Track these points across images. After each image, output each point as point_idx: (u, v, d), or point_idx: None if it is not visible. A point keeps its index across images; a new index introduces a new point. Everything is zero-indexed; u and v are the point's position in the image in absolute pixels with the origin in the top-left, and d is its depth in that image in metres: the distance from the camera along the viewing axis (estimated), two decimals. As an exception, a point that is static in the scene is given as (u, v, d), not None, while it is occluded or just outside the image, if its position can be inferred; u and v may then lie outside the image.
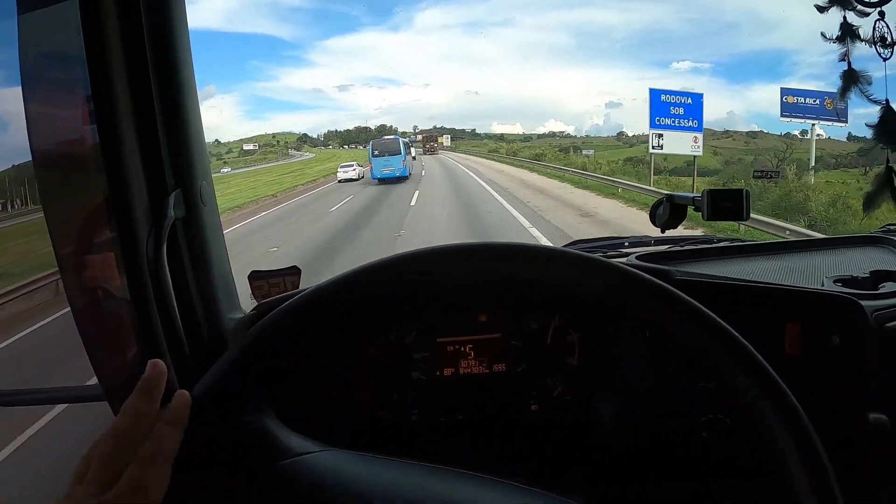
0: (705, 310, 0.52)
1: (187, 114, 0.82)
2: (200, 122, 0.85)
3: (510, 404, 0.84)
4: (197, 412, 0.55)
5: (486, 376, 0.84)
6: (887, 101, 0.96)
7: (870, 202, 0.99)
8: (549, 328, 0.84)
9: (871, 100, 0.92)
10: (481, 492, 0.53)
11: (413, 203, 13.19)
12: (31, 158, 0.79)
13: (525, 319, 0.84)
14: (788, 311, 0.83)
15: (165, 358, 0.81)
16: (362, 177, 20.42)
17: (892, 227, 1.26)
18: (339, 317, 0.58)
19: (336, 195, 16.72)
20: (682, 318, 0.53)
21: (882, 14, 0.87)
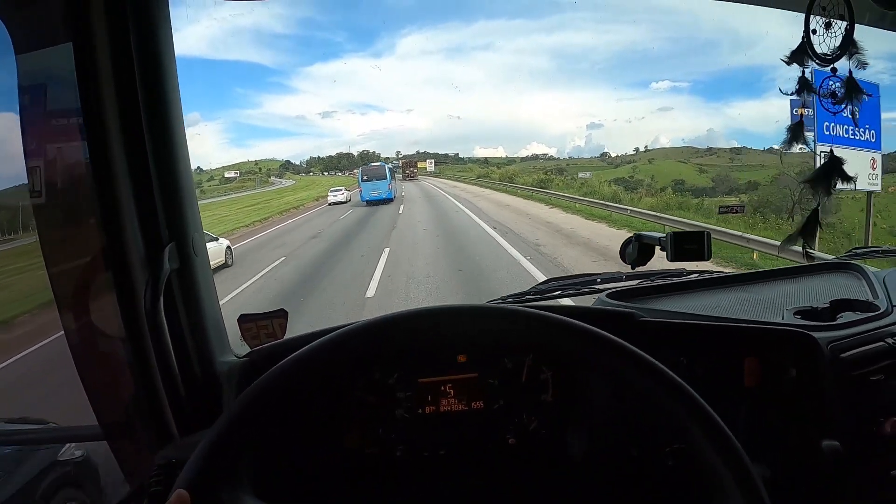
0: (643, 355, 0.60)
1: (180, 166, 0.86)
2: (191, 173, 0.89)
3: (489, 439, 0.88)
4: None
5: (465, 413, 0.88)
6: (832, 151, 1.00)
7: (790, 240, 1.04)
8: (523, 367, 0.88)
9: (814, 152, 0.98)
10: None
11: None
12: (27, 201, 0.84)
13: (500, 359, 0.88)
14: (746, 347, 0.88)
15: (163, 401, 0.85)
16: (349, 199, 21.96)
17: (858, 251, 1.31)
18: (326, 374, 0.63)
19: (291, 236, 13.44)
20: (625, 365, 0.61)
21: (834, 70, 0.93)
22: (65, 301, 0.84)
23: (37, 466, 0.92)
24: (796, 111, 1.05)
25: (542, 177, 29.91)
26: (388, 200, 19.35)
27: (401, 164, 38.32)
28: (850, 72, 0.88)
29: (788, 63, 0.93)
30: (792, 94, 0.93)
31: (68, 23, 0.76)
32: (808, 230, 0.96)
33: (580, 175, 31.02)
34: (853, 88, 0.88)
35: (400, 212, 16.51)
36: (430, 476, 0.86)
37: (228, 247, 9.94)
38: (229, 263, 9.65)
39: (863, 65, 0.88)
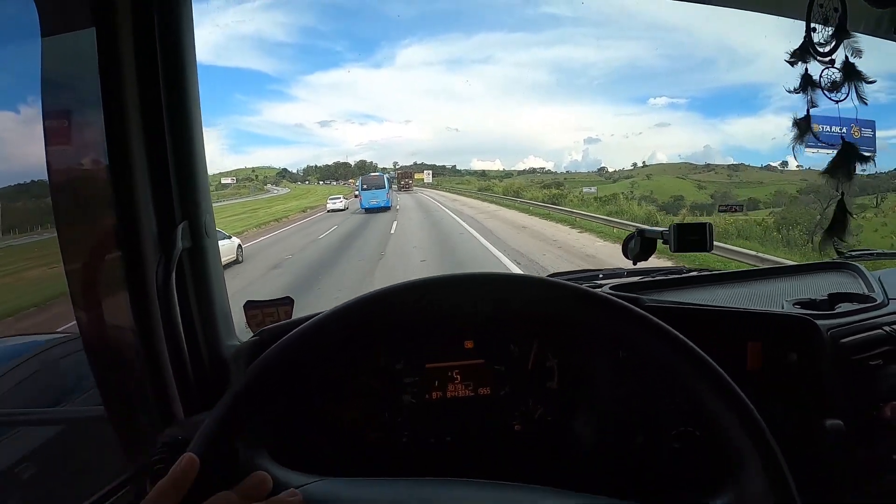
0: (670, 328, 0.59)
1: (195, 149, 0.88)
2: (205, 157, 0.91)
3: (495, 426, 0.88)
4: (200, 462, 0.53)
5: (471, 399, 0.88)
6: (843, 139, 1.04)
7: (825, 240, 1.07)
8: (529, 354, 0.89)
9: (824, 143, 1.01)
10: (486, 494, 0.59)
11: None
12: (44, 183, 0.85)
13: (507, 346, 0.89)
14: (748, 332, 0.90)
15: (169, 380, 0.85)
16: (347, 207, 22.74)
17: (854, 253, 1.34)
18: (334, 347, 0.62)
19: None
20: (650, 337, 0.60)
21: (832, 62, 0.97)
22: (75, 278, 0.84)
23: (39, 446, 0.91)
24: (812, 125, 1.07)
25: (556, 192, 26.25)
26: (385, 209, 20.32)
27: (397, 175, 37.62)
28: (847, 57, 0.91)
29: (792, 63, 0.97)
30: (795, 90, 0.96)
31: (93, 6, 0.78)
32: (837, 225, 0.99)
33: (585, 190, 28.14)
34: (851, 72, 0.91)
35: (392, 231, 13.76)
36: (435, 463, 0.86)
37: (239, 245, 10.59)
38: (240, 260, 10.28)
39: (857, 52, 0.91)
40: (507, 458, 0.87)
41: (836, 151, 1.04)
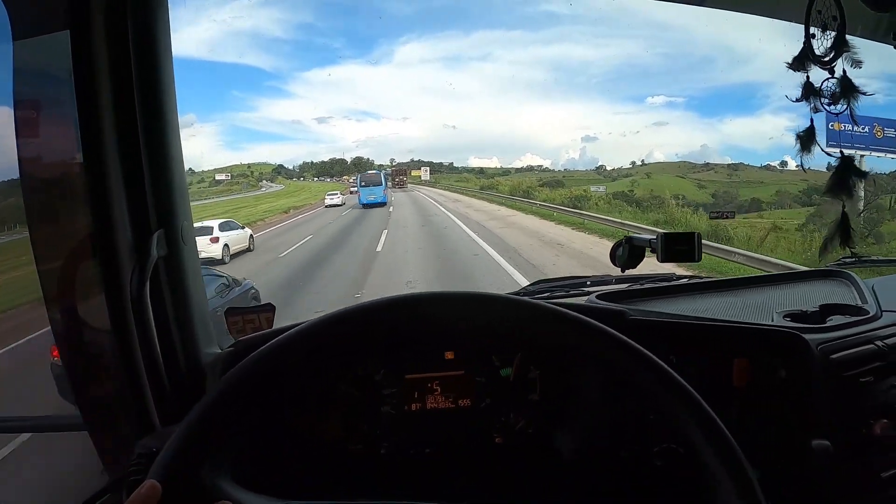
0: (644, 351, 0.58)
1: (172, 155, 0.86)
2: (183, 163, 0.90)
3: (475, 438, 0.87)
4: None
5: (452, 411, 0.87)
6: (842, 153, 1.02)
7: (826, 247, 1.06)
8: (511, 366, 0.87)
9: (829, 154, 1.00)
10: None
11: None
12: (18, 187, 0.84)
13: (489, 357, 0.88)
14: (736, 347, 0.88)
15: (145, 390, 0.84)
16: (344, 203, 23.91)
17: (846, 260, 1.31)
18: (310, 359, 0.61)
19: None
20: (625, 359, 0.58)
21: (832, 72, 0.95)
22: (50, 286, 0.83)
23: (17, 454, 0.90)
24: (832, 125, 1.06)
25: (578, 192, 22.37)
26: (382, 204, 21.11)
27: (391, 172, 37.52)
28: (844, 70, 0.89)
29: (793, 69, 0.96)
30: (798, 100, 0.94)
31: (67, 9, 0.76)
32: (842, 232, 0.98)
33: (593, 189, 24.59)
34: (848, 87, 0.90)
35: (378, 249, 10.27)
36: (415, 474, 0.85)
37: (251, 235, 10.92)
38: (251, 249, 10.51)
39: (857, 63, 0.89)
40: (488, 470, 0.85)
41: (834, 169, 1.03)
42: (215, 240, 10.18)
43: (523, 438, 0.87)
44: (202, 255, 12.26)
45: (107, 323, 0.82)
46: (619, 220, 12.48)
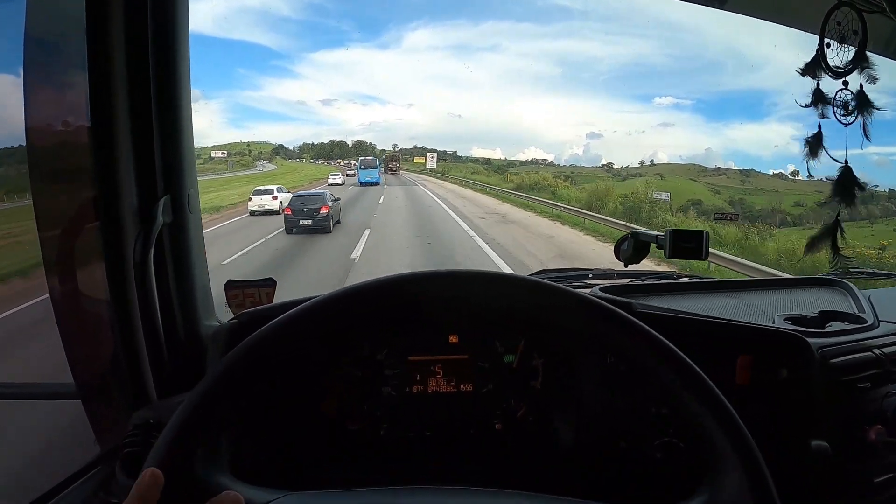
0: (657, 335, 0.58)
1: (182, 121, 0.85)
2: (192, 130, 0.88)
3: (475, 423, 0.87)
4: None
5: (453, 395, 0.87)
6: (846, 162, 1.04)
7: (812, 245, 1.08)
8: (515, 352, 0.87)
9: (835, 160, 1.01)
10: (456, 501, 0.57)
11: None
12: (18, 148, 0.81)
13: (493, 343, 0.87)
14: (740, 345, 0.89)
15: (143, 360, 0.83)
16: (344, 182, 27.34)
17: (843, 270, 1.34)
18: (315, 337, 0.59)
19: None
20: (638, 342, 0.58)
21: (846, 83, 0.96)
22: (50, 251, 0.81)
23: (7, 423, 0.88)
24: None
25: (641, 202, 16.38)
26: (376, 183, 25.75)
27: (385, 158, 37.38)
28: (861, 85, 0.90)
29: (803, 74, 0.97)
30: (807, 105, 0.95)
31: None
32: (829, 239, 1.00)
33: (657, 196, 18.01)
34: (864, 101, 0.91)
35: (381, 201, 13.56)
36: (413, 456, 0.85)
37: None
38: (280, 211, 12.87)
39: (873, 79, 0.90)
40: (487, 456, 0.85)
41: (835, 179, 1.04)
42: (275, 198, 14.57)
43: (523, 426, 0.87)
44: (265, 207, 14.59)
45: (106, 289, 0.80)
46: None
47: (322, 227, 10.74)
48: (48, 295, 0.80)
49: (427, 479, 0.82)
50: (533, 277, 0.63)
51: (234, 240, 10.08)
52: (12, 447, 0.87)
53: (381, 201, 17.95)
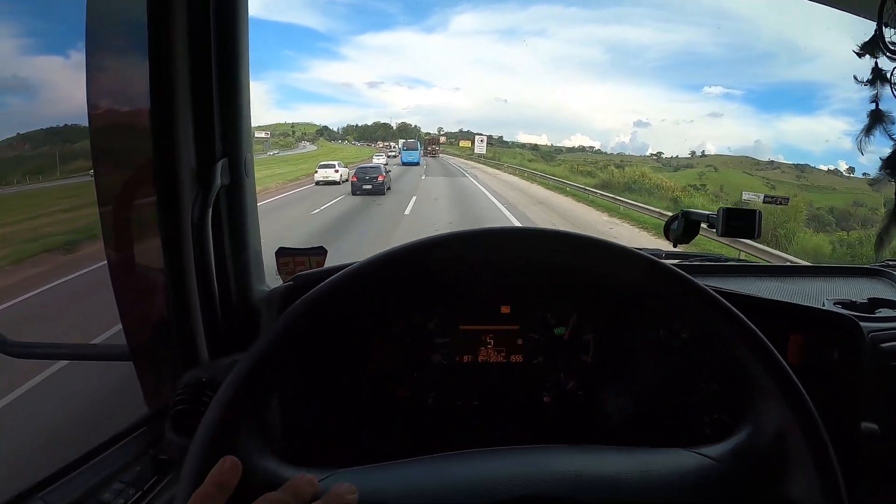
0: (731, 307, 0.58)
1: (240, 85, 0.85)
2: (250, 94, 0.88)
3: (524, 394, 0.86)
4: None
5: (503, 366, 0.86)
6: None
7: (881, 240, 1.07)
8: (567, 324, 0.86)
9: (892, 138, 1.00)
10: (498, 463, 0.56)
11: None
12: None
13: (544, 314, 0.87)
14: (793, 324, 0.88)
15: (196, 322, 0.83)
16: (387, 164, 24.93)
17: (891, 262, 1.33)
18: (369, 299, 0.58)
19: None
20: (703, 303, 0.59)
21: None
22: (108, 210, 0.82)
23: (62, 379, 0.89)
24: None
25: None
26: (416, 164, 28.72)
27: (425, 141, 38.41)
28: None
29: (860, 55, 0.95)
30: (864, 83, 0.94)
31: None
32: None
33: (747, 197, 12.34)
34: None
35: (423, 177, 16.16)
36: (460, 426, 0.84)
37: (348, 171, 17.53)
38: (341, 182, 17.07)
39: None
40: (533, 428, 0.85)
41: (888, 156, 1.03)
42: (336, 171, 17.99)
43: (572, 399, 0.86)
44: (329, 178, 17.75)
45: (162, 251, 0.80)
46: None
47: (378, 191, 14.69)
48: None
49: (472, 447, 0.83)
50: (609, 241, 0.61)
51: (311, 202, 13.24)
52: (65, 404, 0.88)
53: (422, 178, 20.08)
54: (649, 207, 12.41)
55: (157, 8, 0.76)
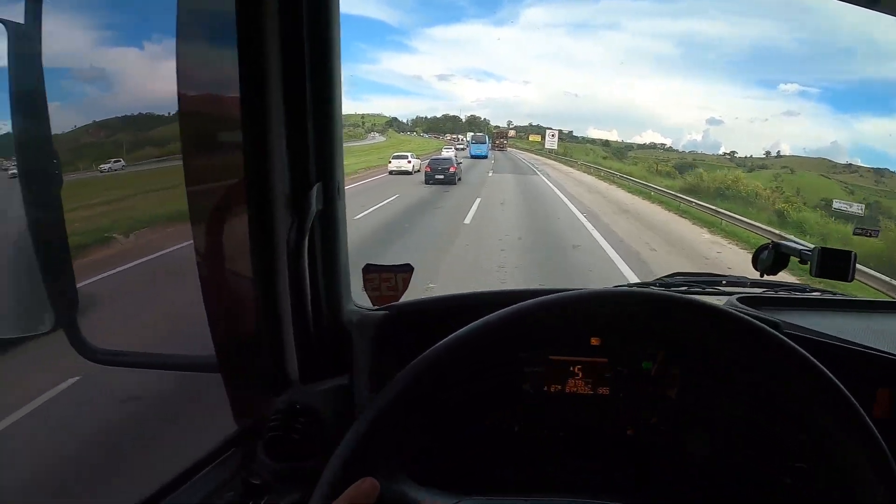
0: (813, 360, 0.61)
1: (334, 106, 0.84)
2: (342, 117, 0.87)
3: (608, 427, 0.87)
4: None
5: (590, 397, 0.87)
6: None
7: None
8: (654, 360, 0.86)
9: None
10: None
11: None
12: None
13: (633, 349, 0.86)
14: (881, 377, 0.86)
15: (289, 343, 0.84)
16: (457, 156, 24.76)
17: None
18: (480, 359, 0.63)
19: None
20: (791, 366, 0.62)
21: None
22: (200, 233, 0.82)
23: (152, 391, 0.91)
24: None
25: None
26: (484, 157, 29.28)
27: (494, 134, 38.20)
28: None
29: None
30: None
31: None
32: None
33: (838, 206, 14.12)
34: None
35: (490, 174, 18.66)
36: (543, 455, 0.86)
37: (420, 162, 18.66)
38: (419, 170, 18.01)
39: None
40: (616, 462, 0.86)
41: None
42: (409, 162, 19.11)
43: (655, 435, 0.87)
44: (401, 168, 19.03)
45: (255, 272, 0.81)
46: None
47: (450, 181, 15.62)
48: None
49: (557, 482, 0.84)
50: (682, 295, 0.63)
51: (388, 189, 14.36)
52: (158, 414, 0.90)
53: (489, 175, 20.31)
54: (756, 224, 10.92)
55: (250, 32, 0.75)
